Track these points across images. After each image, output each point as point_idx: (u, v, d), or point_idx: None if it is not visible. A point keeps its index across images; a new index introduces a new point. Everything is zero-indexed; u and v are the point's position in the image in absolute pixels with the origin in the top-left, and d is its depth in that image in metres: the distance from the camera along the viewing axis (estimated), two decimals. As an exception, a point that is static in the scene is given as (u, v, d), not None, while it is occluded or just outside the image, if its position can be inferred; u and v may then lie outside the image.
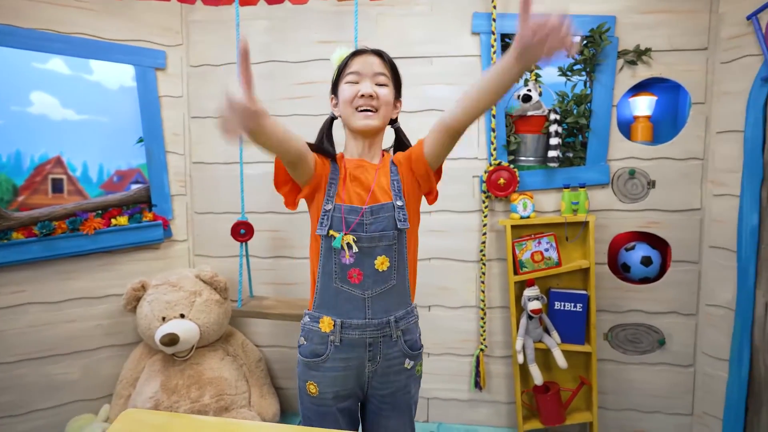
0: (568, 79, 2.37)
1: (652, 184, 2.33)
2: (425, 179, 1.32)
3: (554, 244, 2.31)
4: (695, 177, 2.31)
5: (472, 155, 2.40)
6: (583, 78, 2.35)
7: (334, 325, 1.29)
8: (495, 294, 2.46)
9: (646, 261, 2.36)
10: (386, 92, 1.31)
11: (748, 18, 2.10)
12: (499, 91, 1.05)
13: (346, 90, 1.31)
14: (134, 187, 2.72)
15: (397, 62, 2.36)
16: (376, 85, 1.30)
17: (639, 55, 2.25)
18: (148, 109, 2.48)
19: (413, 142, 1.36)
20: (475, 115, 1.13)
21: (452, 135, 1.20)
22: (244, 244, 2.30)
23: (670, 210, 2.33)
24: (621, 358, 2.44)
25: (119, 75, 2.57)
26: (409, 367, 1.34)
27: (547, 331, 2.33)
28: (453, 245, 2.45)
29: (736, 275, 2.21)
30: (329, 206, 1.29)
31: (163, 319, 2.24)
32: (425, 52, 2.39)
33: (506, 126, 2.37)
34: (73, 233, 2.28)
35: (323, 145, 1.36)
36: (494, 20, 2.26)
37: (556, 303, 2.32)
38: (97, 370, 2.41)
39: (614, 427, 2.45)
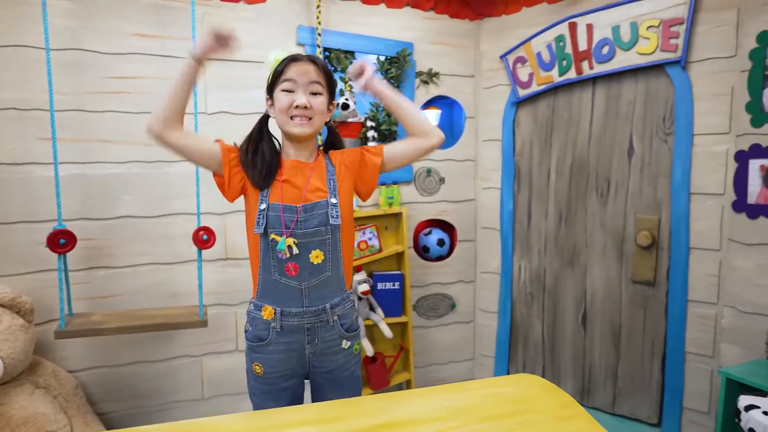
0: (377, 92, 2.77)
1: (442, 180, 2.92)
2: (371, 181, 1.48)
3: (376, 234, 2.69)
4: (470, 174, 3.00)
5: (301, 157, 2.59)
6: (389, 92, 2.78)
7: (275, 313, 1.38)
8: (325, 282, 2.71)
9: (441, 242, 2.94)
10: (320, 101, 1.39)
11: (501, 57, 2.84)
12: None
13: (282, 99, 1.36)
14: None
15: (225, 65, 2.42)
16: (311, 93, 1.37)
17: (431, 76, 2.80)
18: None
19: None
20: (421, 137, 1.52)
21: (420, 155, 1.52)
22: (62, 256, 2.01)
23: (455, 201, 2.97)
24: (425, 324, 2.98)
25: None
26: (346, 347, 1.47)
27: (372, 308, 2.70)
28: (286, 241, 2.60)
29: (500, 248, 2.96)
30: (263, 206, 1.36)
31: (-50, 357, 1.82)
32: (253, 57, 2.47)
33: (329, 130, 2.64)
34: None
35: (258, 143, 1.40)
36: (319, 35, 2.49)
37: (378, 284, 2.71)
38: None
39: (423, 380, 2.98)
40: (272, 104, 1.42)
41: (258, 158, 1.38)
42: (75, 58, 2.19)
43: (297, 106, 1.35)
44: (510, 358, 3.01)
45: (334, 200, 1.39)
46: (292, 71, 1.36)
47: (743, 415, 1.64)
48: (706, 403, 2.33)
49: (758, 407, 1.62)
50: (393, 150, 1.50)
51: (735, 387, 1.95)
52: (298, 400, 1.48)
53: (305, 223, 1.36)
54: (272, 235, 1.35)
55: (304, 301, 1.39)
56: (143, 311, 2.20)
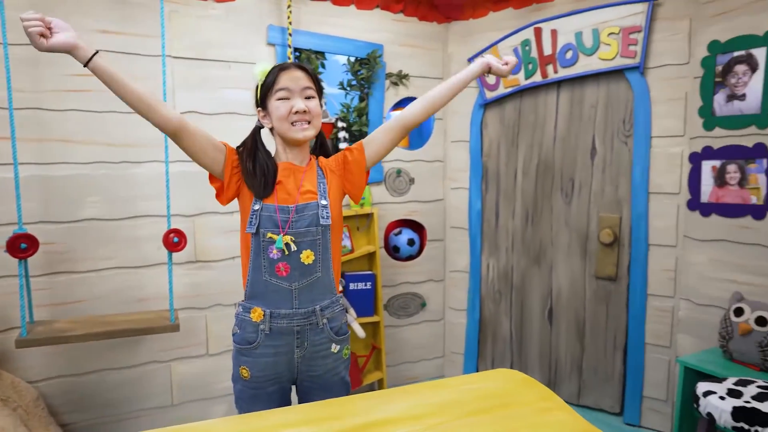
0: (347, 93, 2.78)
1: (412, 181, 2.96)
2: (358, 180, 1.48)
3: (348, 234, 2.69)
4: (439, 175, 3.05)
5: (271, 157, 2.57)
6: (358, 93, 2.80)
7: (264, 315, 1.37)
8: (297, 284, 2.70)
9: (411, 242, 2.97)
10: (315, 104, 1.42)
11: (468, 60, 2.90)
12: (456, 94, 1.55)
13: (280, 107, 1.39)
14: None
15: (194, 64, 2.37)
16: (306, 98, 1.40)
17: (400, 78, 2.83)
18: None
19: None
20: (432, 113, 1.52)
21: (406, 131, 1.50)
22: (23, 261, 1.92)
23: (424, 201, 3.01)
24: (396, 323, 3.01)
25: None
26: (336, 351, 1.46)
27: (344, 309, 2.70)
28: (257, 243, 2.58)
29: (469, 247, 3.03)
30: (257, 206, 1.37)
31: None
32: (222, 56, 2.43)
33: (300, 131, 2.63)
34: None
35: (256, 156, 1.40)
36: (290, 35, 2.48)
37: (351, 284, 2.71)
38: None
39: (395, 378, 3.01)
40: (265, 115, 1.44)
41: (258, 170, 1.38)
42: (34, 54, 2.09)
43: (297, 111, 1.37)
44: (479, 354, 3.08)
45: (324, 202, 1.41)
46: (284, 80, 1.38)
47: (701, 400, 1.74)
48: (664, 391, 2.46)
49: (715, 392, 1.73)
50: (372, 139, 1.51)
51: (692, 375, 2.07)
52: (285, 405, 1.45)
53: (297, 223, 1.38)
54: (268, 234, 1.36)
55: (294, 302, 1.39)
56: (111, 317, 2.13)
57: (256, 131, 1.47)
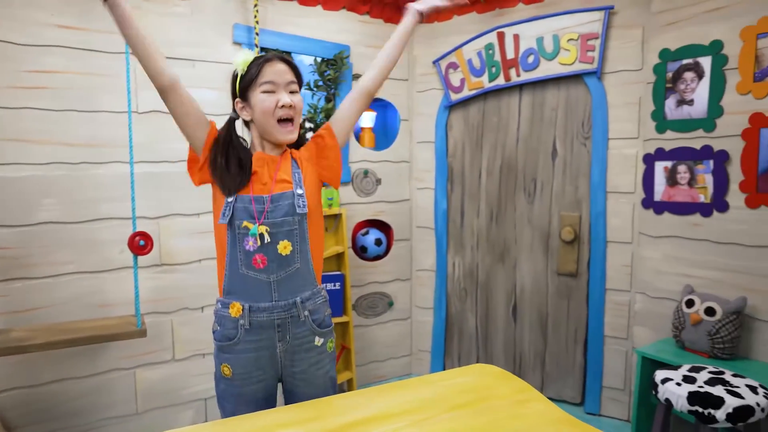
0: (314, 94, 2.78)
1: (378, 181, 2.98)
2: (334, 164, 1.48)
3: (317, 235, 2.69)
4: (405, 175, 3.09)
5: (238, 158, 2.53)
6: (325, 93, 2.79)
7: (242, 310, 1.34)
8: (265, 286, 2.67)
9: (378, 242, 3.00)
10: (299, 100, 1.41)
11: (434, 62, 2.95)
12: (402, 48, 1.57)
13: (265, 101, 1.35)
14: None
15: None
16: (290, 93, 1.38)
17: (367, 79, 2.85)
18: None
19: None
20: (387, 73, 1.57)
21: (370, 97, 1.53)
22: (-24, 267, 1.82)
23: (391, 201, 3.04)
24: (364, 322, 3.03)
25: None
26: (319, 344, 1.43)
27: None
28: (224, 245, 2.53)
29: (435, 246, 3.08)
30: (231, 198, 1.34)
31: None
32: (187, 55, 2.38)
33: (267, 131, 2.60)
34: None
35: (230, 149, 1.37)
36: (257, 34, 2.45)
37: (320, 285, 2.71)
38: None
39: (364, 378, 3.03)
40: (243, 107, 1.40)
41: (232, 165, 1.35)
42: (-15, 49, 1.99)
43: (283, 106, 1.35)
44: (446, 351, 3.14)
45: (300, 191, 1.39)
46: (269, 73, 1.35)
47: (660, 387, 1.85)
48: (621, 381, 2.58)
49: (672, 379, 1.84)
50: (339, 116, 1.53)
51: (648, 364, 2.19)
52: (270, 405, 1.44)
53: (272, 213, 1.35)
54: (244, 223, 1.33)
55: (273, 295, 1.36)
56: (72, 324, 2.05)
57: (231, 123, 1.41)
